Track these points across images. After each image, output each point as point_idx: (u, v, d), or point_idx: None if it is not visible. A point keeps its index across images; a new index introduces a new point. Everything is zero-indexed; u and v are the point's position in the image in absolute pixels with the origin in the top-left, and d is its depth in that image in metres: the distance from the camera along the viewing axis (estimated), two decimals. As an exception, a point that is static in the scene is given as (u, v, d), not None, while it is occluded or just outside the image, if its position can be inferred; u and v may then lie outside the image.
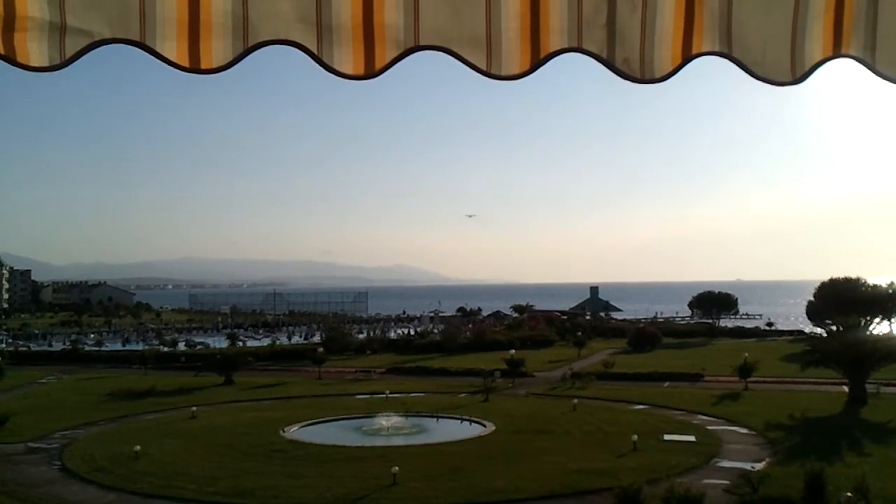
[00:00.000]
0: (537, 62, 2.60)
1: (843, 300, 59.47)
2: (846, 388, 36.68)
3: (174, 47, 2.47)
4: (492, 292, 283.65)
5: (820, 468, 20.46)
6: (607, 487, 21.01)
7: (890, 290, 66.97)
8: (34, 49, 2.42)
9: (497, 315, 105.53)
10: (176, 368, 53.19)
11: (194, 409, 35.52)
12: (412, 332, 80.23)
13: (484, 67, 2.57)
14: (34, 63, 2.43)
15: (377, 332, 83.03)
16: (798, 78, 2.66)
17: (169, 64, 2.48)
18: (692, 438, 28.82)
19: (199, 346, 66.39)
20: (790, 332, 77.16)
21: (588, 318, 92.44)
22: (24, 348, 68.89)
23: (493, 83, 2.63)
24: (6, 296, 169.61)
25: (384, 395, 39.38)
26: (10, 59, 2.41)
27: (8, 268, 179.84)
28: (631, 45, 2.61)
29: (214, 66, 2.51)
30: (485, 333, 70.01)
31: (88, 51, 2.44)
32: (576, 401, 36.19)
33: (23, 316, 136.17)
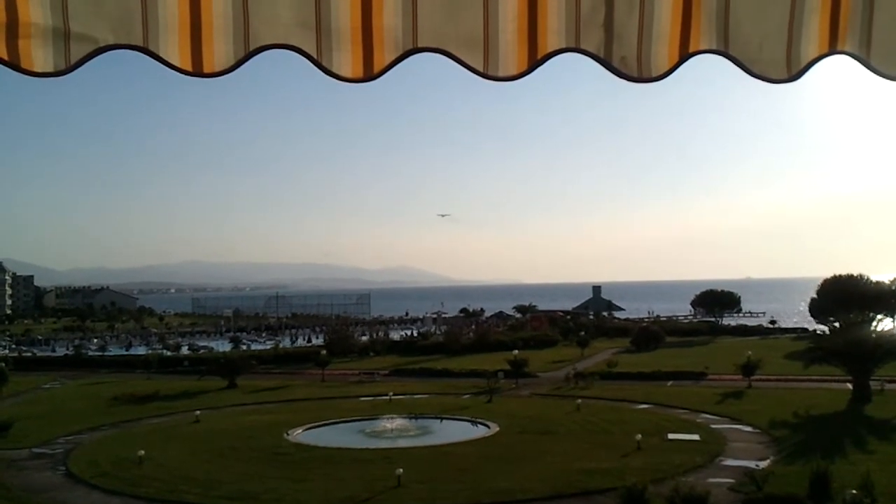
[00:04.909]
0: (535, 63, 2.62)
1: (846, 297, 59.37)
2: (850, 386, 36.64)
3: (176, 52, 2.50)
4: (494, 293, 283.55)
5: (824, 466, 20.48)
6: (612, 487, 21.02)
7: (893, 287, 66.90)
8: (38, 55, 2.45)
9: (500, 315, 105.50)
10: (179, 372, 53.24)
11: (198, 412, 35.54)
12: (415, 334, 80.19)
13: (481, 69, 2.59)
14: (38, 69, 2.46)
15: (380, 333, 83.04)
16: (794, 75, 2.67)
17: (172, 68, 2.51)
18: (696, 437, 28.80)
19: (202, 350, 66.52)
20: (793, 330, 77.15)
21: (591, 317, 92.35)
22: (27, 354, 68.99)
23: (493, 84, 2.65)
24: (9, 301, 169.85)
25: (388, 397, 39.38)
26: (15, 66, 2.43)
27: (10, 273, 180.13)
28: (628, 44, 2.63)
29: (216, 70, 2.53)
30: (488, 334, 69.98)
31: (93, 56, 2.47)
32: (579, 401, 36.19)
33: (26, 321, 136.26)
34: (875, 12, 2.59)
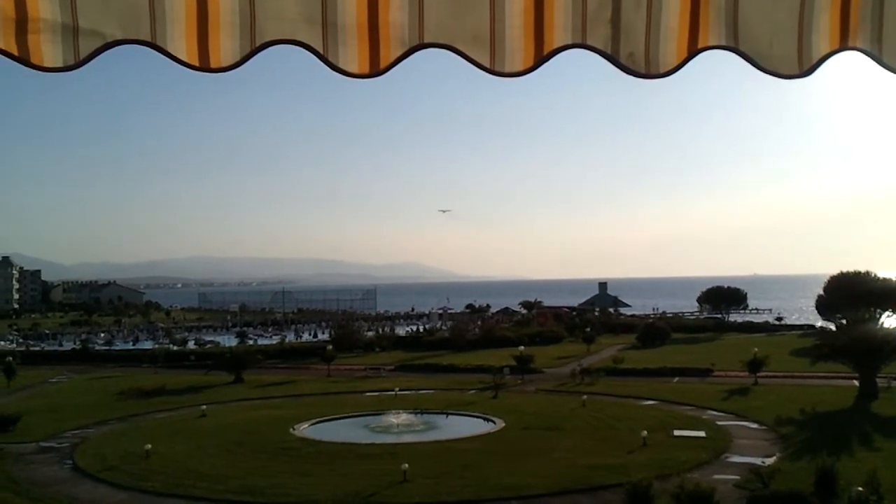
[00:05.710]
0: (541, 59, 2.61)
1: (852, 294, 59.23)
2: (857, 383, 36.55)
3: (184, 47, 2.51)
4: (500, 289, 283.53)
5: (830, 463, 20.42)
6: (617, 483, 20.99)
7: (900, 284, 66.58)
8: (48, 50, 2.46)
9: (506, 311, 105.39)
10: (186, 367, 53.31)
11: (204, 407, 35.63)
12: (421, 330, 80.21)
13: (487, 65, 2.59)
14: (48, 64, 2.47)
15: (386, 329, 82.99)
16: (805, 71, 2.66)
17: (179, 63, 2.52)
18: (702, 434, 28.76)
19: (208, 345, 66.50)
20: (800, 327, 77.00)
21: (597, 313, 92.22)
22: (34, 348, 69.15)
23: (498, 80, 2.65)
24: (16, 296, 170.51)
25: (393, 393, 39.41)
26: (24, 61, 2.45)
27: (18, 268, 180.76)
28: (636, 40, 2.62)
29: (223, 65, 2.54)
30: (493, 330, 69.96)
31: (102, 51, 2.48)
32: (585, 397, 36.16)
33: (33, 316, 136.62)
34: (886, 8, 2.58)
